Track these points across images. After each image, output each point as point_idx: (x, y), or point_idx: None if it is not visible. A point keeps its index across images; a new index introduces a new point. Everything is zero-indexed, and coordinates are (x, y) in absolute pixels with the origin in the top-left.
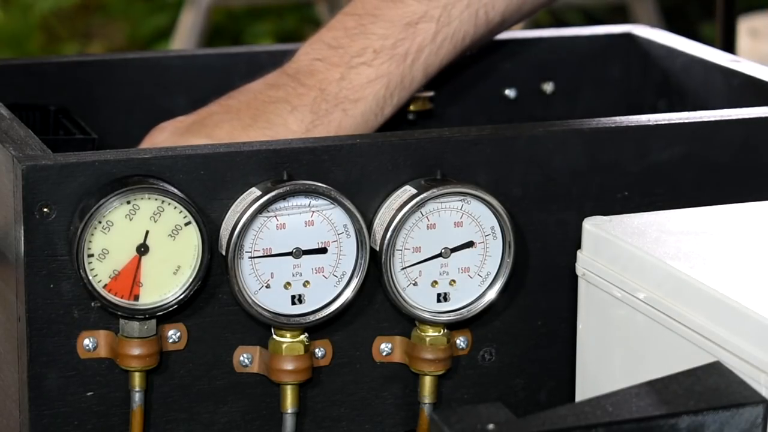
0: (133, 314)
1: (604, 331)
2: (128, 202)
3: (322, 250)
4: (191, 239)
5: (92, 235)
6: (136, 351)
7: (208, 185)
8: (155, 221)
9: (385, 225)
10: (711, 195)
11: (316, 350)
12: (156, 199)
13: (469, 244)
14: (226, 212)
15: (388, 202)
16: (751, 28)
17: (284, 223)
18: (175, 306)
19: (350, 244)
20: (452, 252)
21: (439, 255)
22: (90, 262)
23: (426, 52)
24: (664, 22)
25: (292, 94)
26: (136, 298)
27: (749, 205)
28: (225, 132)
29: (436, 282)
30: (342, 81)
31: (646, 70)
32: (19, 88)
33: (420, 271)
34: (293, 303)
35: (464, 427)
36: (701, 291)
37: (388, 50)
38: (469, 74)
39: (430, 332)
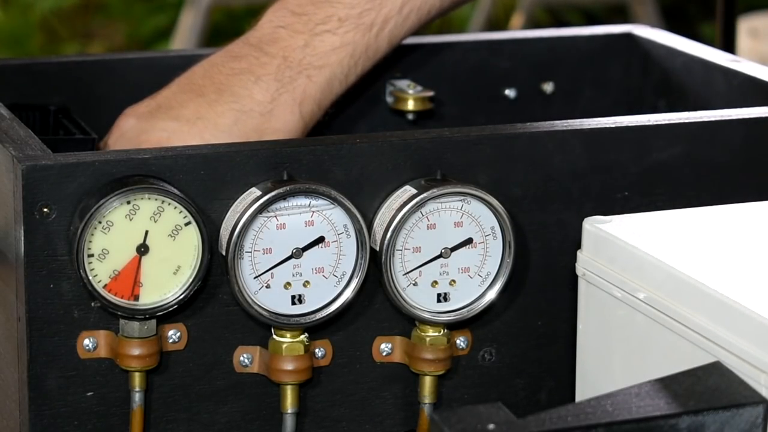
0: (133, 314)
1: (604, 331)
2: (128, 202)
3: (320, 240)
4: (191, 239)
5: (92, 235)
6: (136, 351)
7: (208, 185)
8: (155, 221)
9: (385, 225)
10: (711, 195)
11: (316, 350)
12: (156, 199)
13: (468, 241)
14: (226, 212)
15: (388, 202)
16: (751, 28)
17: (284, 223)
18: (175, 306)
19: (350, 244)
20: (452, 251)
21: (440, 256)
22: (90, 262)
23: (392, 23)
24: (664, 22)
25: (255, 64)
26: (136, 298)
27: (749, 205)
28: (191, 111)
29: (436, 282)
30: (306, 48)
31: (646, 70)
32: (19, 88)
33: (420, 271)
34: (293, 303)
35: (464, 427)
36: (701, 291)
37: (354, 19)
38: (469, 74)
39: (430, 332)
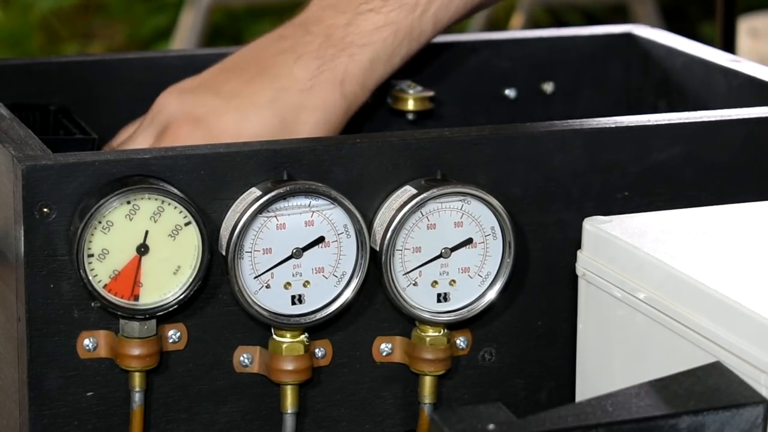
0: (133, 314)
1: (604, 331)
2: (128, 202)
3: (320, 240)
4: (191, 239)
5: (92, 235)
6: (136, 351)
7: (208, 185)
8: (155, 221)
9: (385, 225)
10: (711, 195)
11: (316, 350)
12: (156, 199)
13: (468, 241)
14: (226, 212)
15: (388, 202)
16: (751, 28)
17: (284, 223)
18: (175, 306)
19: (350, 244)
20: (452, 251)
21: (440, 256)
22: (90, 262)
23: (437, 4)
24: (664, 22)
25: (298, 43)
26: (136, 298)
27: (749, 205)
28: (230, 88)
29: (436, 282)
30: (348, 26)
31: (646, 70)
32: (19, 88)
33: (420, 271)
34: (293, 303)
35: (464, 427)
36: (701, 291)
37: None
38: (469, 74)
39: (430, 332)
